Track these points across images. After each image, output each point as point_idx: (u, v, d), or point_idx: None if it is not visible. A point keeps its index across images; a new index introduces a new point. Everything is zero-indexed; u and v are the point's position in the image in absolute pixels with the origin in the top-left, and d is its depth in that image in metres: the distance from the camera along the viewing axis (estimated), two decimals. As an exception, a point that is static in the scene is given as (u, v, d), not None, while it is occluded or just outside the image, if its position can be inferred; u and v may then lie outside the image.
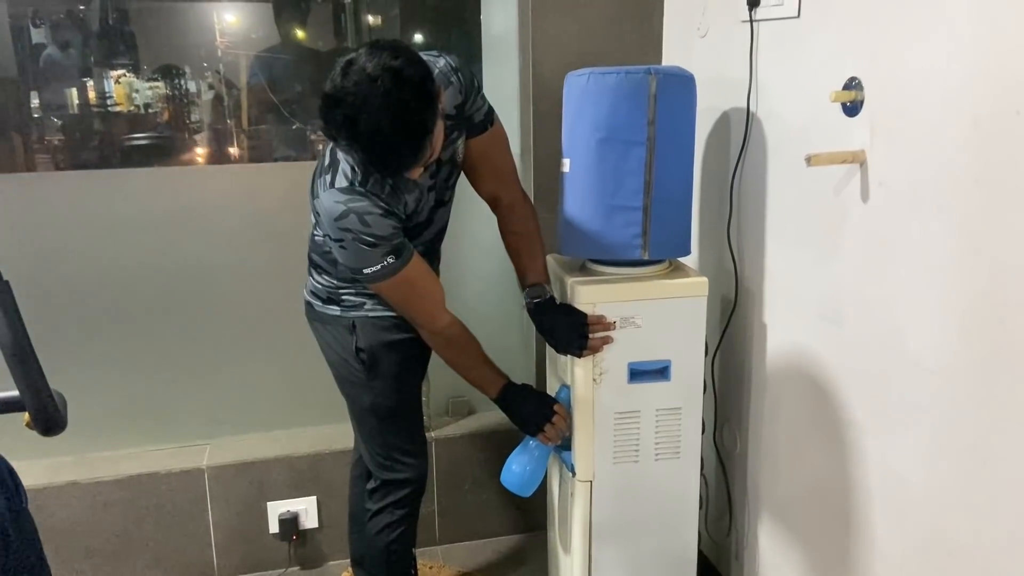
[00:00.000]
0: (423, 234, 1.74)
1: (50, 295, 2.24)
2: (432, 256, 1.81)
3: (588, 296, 1.78)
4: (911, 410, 1.43)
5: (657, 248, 1.80)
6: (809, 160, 1.49)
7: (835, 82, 1.54)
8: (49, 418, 1.19)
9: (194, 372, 2.39)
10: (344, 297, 1.74)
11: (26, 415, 1.20)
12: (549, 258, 2.06)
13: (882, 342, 1.49)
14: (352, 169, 1.55)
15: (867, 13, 1.46)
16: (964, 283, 1.29)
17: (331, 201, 1.52)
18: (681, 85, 1.79)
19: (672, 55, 2.25)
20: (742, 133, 1.88)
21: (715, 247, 2.06)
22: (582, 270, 1.90)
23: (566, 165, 1.85)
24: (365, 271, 1.55)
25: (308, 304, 1.83)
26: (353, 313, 1.74)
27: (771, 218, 1.83)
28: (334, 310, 1.76)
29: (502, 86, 2.44)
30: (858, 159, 1.50)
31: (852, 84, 1.50)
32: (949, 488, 1.35)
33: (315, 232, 1.71)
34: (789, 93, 1.73)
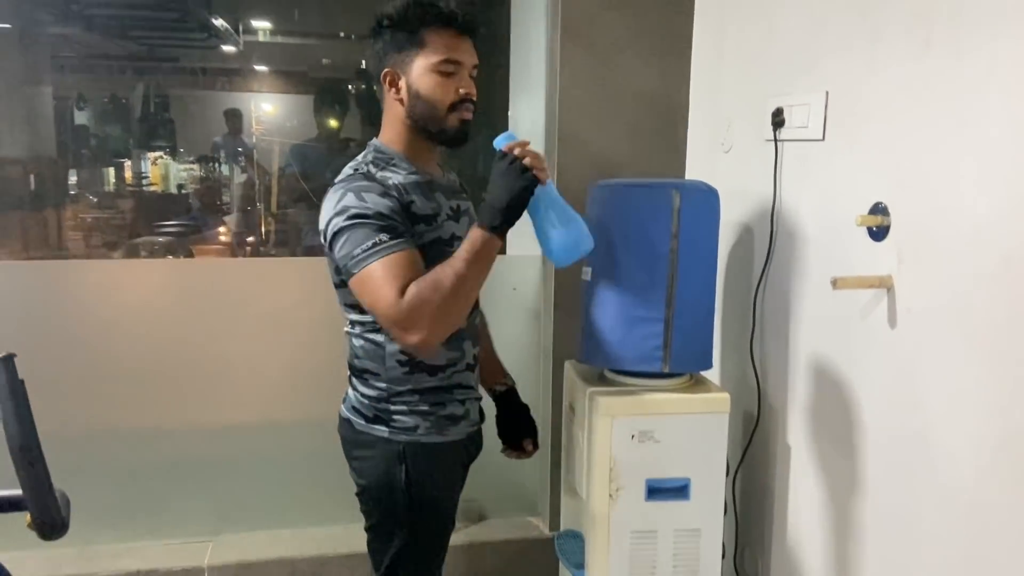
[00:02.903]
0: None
1: (61, 381, 2.23)
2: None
3: (607, 408, 1.74)
4: (943, 543, 1.36)
5: (678, 361, 1.77)
6: (835, 283, 1.48)
7: (861, 205, 1.54)
8: (50, 523, 1.16)
9: (203, 465, 2.35)
10: (396, 416, 1.51)
11: (28, 515, 1.17)
12: (568, 365, 2.04)
13: (912, 472, 1.44)
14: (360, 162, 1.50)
15: (893, 140, 1.47)
16: (997, 420, 1.25)
17: (333, 195, 1.42)
18: (705, 200, 1.80)
19: (696, 167, 2.28)
20: (766, 248, 1.88)
21: (738, 361, 2.02)
22: (601, 379, 1.87)
23: (587, 274, 1.85)
24: (356, 253, 1.34)
25: (346, 422, 1.58)
26: (404, 437, 1.50)
27: (795, 335, 1.80)
28: (381, 431, 1.51)
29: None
30: (885, 284, 1.48)
31: (878, 209, 1.50)
32: (986, 638, 1.27)
33: (350, 331, 1.56)
34: (814, 212, 1.73)
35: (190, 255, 4.84)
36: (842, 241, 1.62)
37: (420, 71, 1.45)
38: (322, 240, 1.46)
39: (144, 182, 7.55)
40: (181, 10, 5.48)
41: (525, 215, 1.44)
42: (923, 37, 1.38)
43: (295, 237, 4.77)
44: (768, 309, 1.90)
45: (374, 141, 1.54)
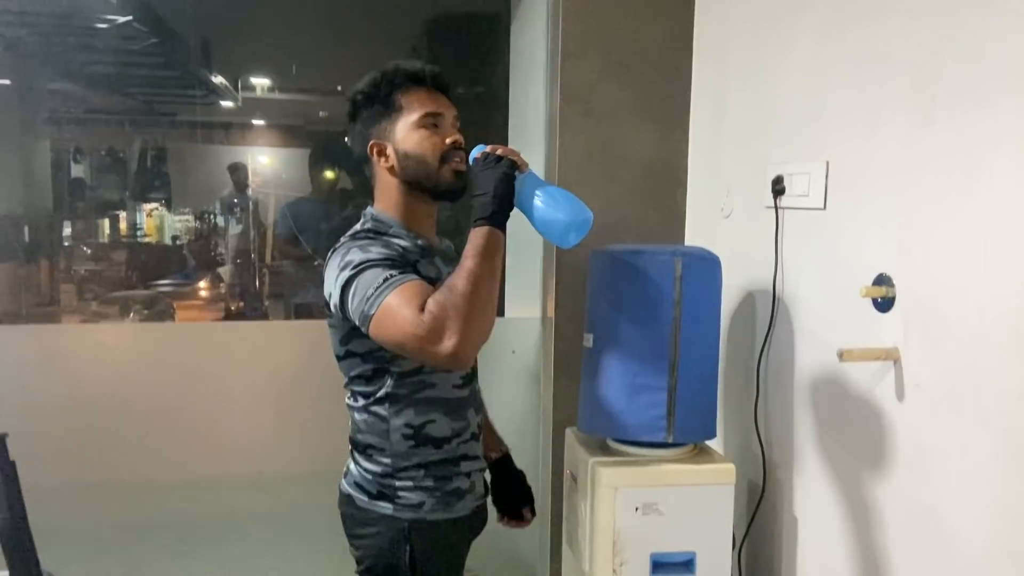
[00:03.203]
0: None
1: (50, 450, 2.17)
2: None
3: (610, 479, 1.70)
4: (961, 632, 1.32)
5: (682, 431, 1.75)
6: (842, 356, 1.46)
7: (865, 275, 1.53)
8: None
9: (194, 539, 2.29)
10: (401, 492, 1.47)
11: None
12: (569, 433, 2.00)
13: (922, 548, 1.40)
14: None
15: (896, 211, 1.47)
16: (1009, 499, 1.22)
17: (335, 258, 1.41)
18: (707, 267, 1.80)
19: (696, 231, 2.28)
20: (768, 315, 1.87)
21: (741, 430, 1.99)
22: (603, 449, 1.84)
23: (589, 340, 1.83)
24: (369, 294, 1.31)
25: (347, 498, 1.52)
26: (409, 515, 1.46)
27: (800, 404, 1.78)
28: (385, 508, 1.47)
29: (527, 251, 2.47)
30: (891, 357, 1.46)
31: (882, 280, 1.49)
32: None
33: (353, 404, 1.52)
34: (817, 280, 1.73)
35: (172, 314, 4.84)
36: (846, 311, 1.61)
37: (404, 131, 1.46)
38: (328, 308, 1.44)
39: (139, 233, 7.58)
40: (181, 68, 5.53)
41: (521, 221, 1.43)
42: (924, 110, 1.39)
43: (288, 286, 4.76)
44: (772, 377, 1.88)
45: (370, 209, 1.53)
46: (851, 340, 1.59)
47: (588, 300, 1.86)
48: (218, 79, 6.18)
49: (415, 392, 1.47)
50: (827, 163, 1.67)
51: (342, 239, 1.48)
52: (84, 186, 7.33)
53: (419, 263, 1.44)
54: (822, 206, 1.69)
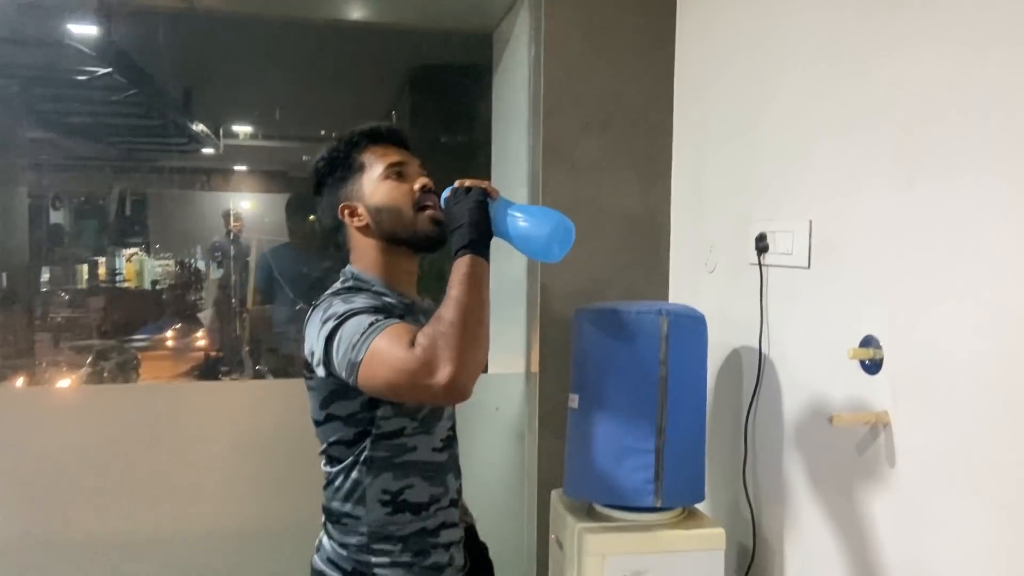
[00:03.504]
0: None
1: (19, 520, 2.10)
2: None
3: (597, 546, 1.66)
4: None
5: (670, 495, 1.71)
6: (832, 420, 1.44)
7: (851, 336, 1.52)
8: None
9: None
10: (377, 569, 1.39)
11: None
12: (554, 495, 1.95)
13: (922, 624, 1.36)
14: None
15: (881, 273, 1.46)
16: (1005, 568, 1.19)
17: (316, 314, 1.38)
18: (693, 326, 1.78)
19: (679, 287, 2.27)
20: (755, 374, 1.84)
21: (729, 492, 1.95)
22: (590, 514, 1.79)
23: (574, 401, 1.80)
24: (355, 340, 1.27)
25: (319, 575, 1.45)
26: None
27: (789, 466, 1.75)
28: None
29: (510, 305, 2.44)
30: (881, 420, 1.44)
31: (869, 342, 1.48)
32: None
33: (330, 470, 1.46)
34: (803, 339, 1.71)
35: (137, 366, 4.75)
36: (834, 371, 1.59)
37: (371, 186, 1.45)
38: (308, 370, 1.40)
39: (118, 278, 7.49)
40: (162, 117, 5.52)
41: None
42: (906, 173, 1.39)
43: (268, 328, 4.70)
44: (759, 437, 1.85)
45: (348, 268, 1.50)
46: (839, 401, 1.57)
47: (573, 359, 1.83)
48: (199, 127, 6.17)
49: (395, 456, 1.43)
50: (810, 222, 1.67)
51: (322, 296, 1.45)
52: (62, 232, 7.28)
53: (404, 319, 1.41)
54: (806, 265, 1.68)
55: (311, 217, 4.65)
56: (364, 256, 1.48)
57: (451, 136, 4.70)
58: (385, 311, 1.33)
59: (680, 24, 2.27)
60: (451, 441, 1.53)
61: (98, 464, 2.18)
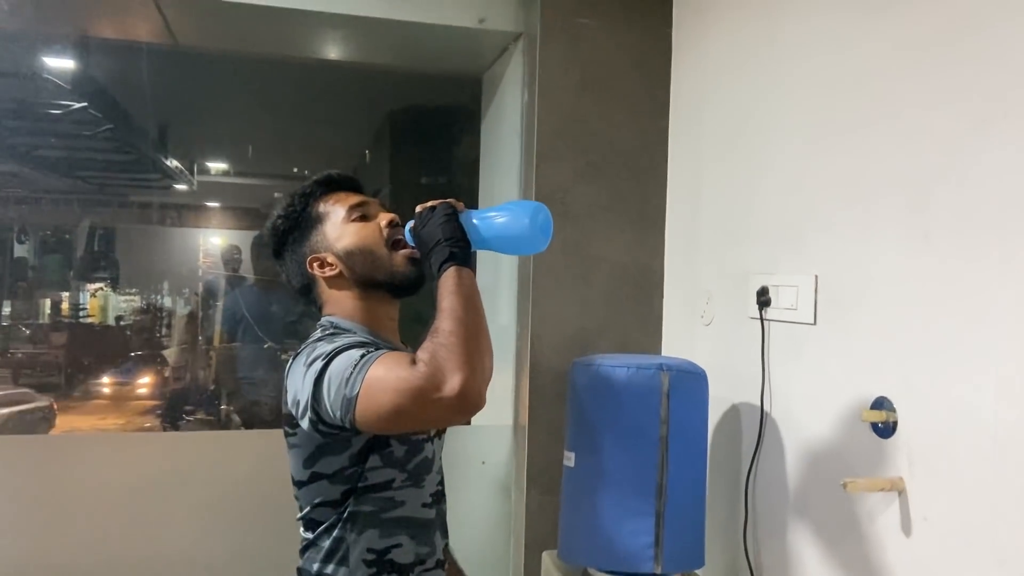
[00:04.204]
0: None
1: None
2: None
3: (594, 616, 1.56)
4: None
5: (671, 560, 1.63)
6: (846, 486, 1.37)
7: (861, 397, 1.46)
8: None
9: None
10: None
11: None
12: (546, 558, 1.86)
13: None
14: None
15: (894, 333, 1.41)
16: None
17: (298, 361, 1.29)
18: (694, 382, 1.72)
19: (674, 339, 2.21)
20: (756, 432, 1.77)
21: (728, 555, 1.87)
22: (585, 579, 1.70)
23: (570, 459, 1.72)
24: (348, 375, 1.18)
25: None
26: None
27: (793, 531, 1.67)
28: None
29: (497, 355, 2.36)
30: (896, 487, 1.38)
31: (882, 404, 1.42)
32: None
33: (309, 535, 1.36)
34: (809, 399, 1.65)
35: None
36: (842, 433, 1.52)
37: (336, 232, 1.38)
38: (292, 420, 1.29)
39: (82, 314, 7.31)
40: (135, 152, 5.44)
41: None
42: (922, 230, 1.35)
43: (234, 369, 4.57)
44: (761, 499, 1.78)
45: (327, 317, 1.41)
46: (848, 464, 1.50)
47: (568, 415, 1.75)
48: (173, 163, 6.08)
49: (382, 511, 1.33)
50: (816, 277, 1.62)
51: (302, 346, 1.36)
52: (26, 266, 7.10)
53: None
54: (812, 321, 1.62)
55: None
56: (341, 306, 1.40)
57: (432, 178, 4.65)
58: (374, 345, 1.25)
59: (676, 67, 2.25)
60: (440, 497, 1.45)
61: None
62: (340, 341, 1.26)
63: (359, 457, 1.29)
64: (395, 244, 1.38)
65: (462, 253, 1.25)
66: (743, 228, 1.89)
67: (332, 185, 1.44)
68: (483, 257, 2.62)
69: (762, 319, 1.76)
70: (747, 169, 1.88)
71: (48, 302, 7.15)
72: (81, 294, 7.35)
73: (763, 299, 1.76)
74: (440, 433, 1.47)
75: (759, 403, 1.77)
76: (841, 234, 1.55)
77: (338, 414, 1.20)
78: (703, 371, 1.73)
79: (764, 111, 1.82)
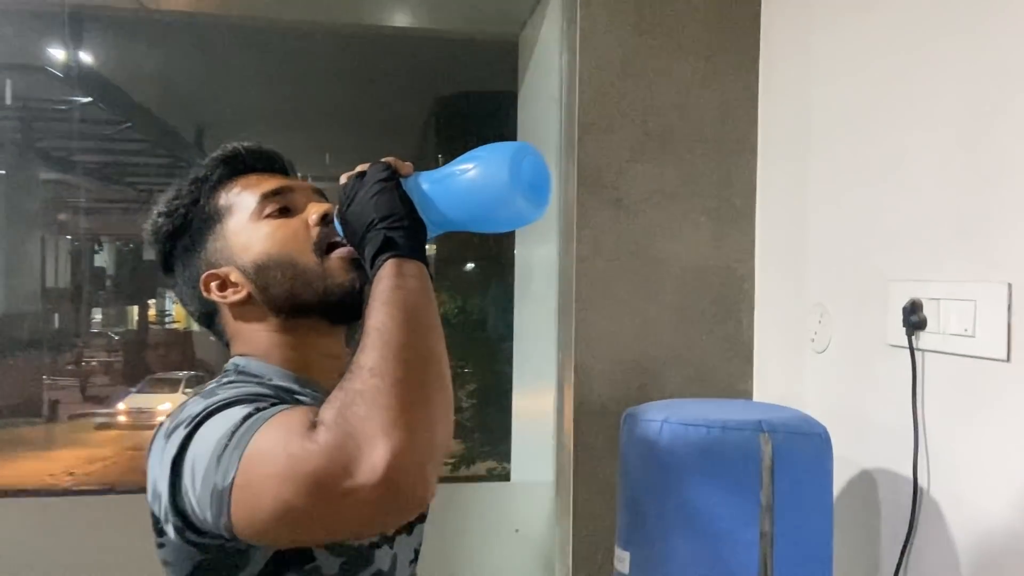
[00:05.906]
0: None
1: None
2: None
3: None
4: None
5: None
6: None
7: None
8: None
9: None
10: None
11: None
12: None
13: None
14: None
15: None
16: None
17: (160, 439, 0.84)
18: (812, 448, 1.18)
19: (769, 372, 1.68)
20: (906, 517, 1.22)
21: None
22: None
23: (623, 562, 1.20)
24: (224, 449, 0.76)
25: None
26: None
27: None
28: None
29: (531, 392, 1.88)
30: None
31: None
32: None
33: None
34: (992, 470, 1.10)
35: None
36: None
37: (243, 236, 0.94)
38: (159, 526, 0.83)
39: (167, 320, 7.50)
40: (170, 154, 5.47)
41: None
42: None
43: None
44: (916, 619, 1.21)
45: (233, 359, 0.96)
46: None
47: (620, 494, 1.23)
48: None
49: None
50: (1009, 287, 1.06)
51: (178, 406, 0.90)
52: (104, 275, 7.62)
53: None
54: (1004, 357, 1.07)
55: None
56: (252, 343, 0.95)
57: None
58: (275, 398, 0.83)
59: (766, 7, 1.73)
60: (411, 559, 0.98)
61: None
62: (222, 393, 0.82)
63: (273, 570, 0.84)
64: (329, 248, 0.92)
65: (405, 237, 0.82)
66: (877, 215, 1.35)
67: (239, 165, 0.98)
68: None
69: (912, 348, 1.21)
70: (889, 132, 1.33)
71: (136, 309, 7.53)
72: (167, 301, 7.63)
73: (913, 319, 1.21)
74: (409, 526, 0.97)
75: (911, 475, 1.21)
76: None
77: (209, 516, 0.75)
78: (823, 430, 1.19)
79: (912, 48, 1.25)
